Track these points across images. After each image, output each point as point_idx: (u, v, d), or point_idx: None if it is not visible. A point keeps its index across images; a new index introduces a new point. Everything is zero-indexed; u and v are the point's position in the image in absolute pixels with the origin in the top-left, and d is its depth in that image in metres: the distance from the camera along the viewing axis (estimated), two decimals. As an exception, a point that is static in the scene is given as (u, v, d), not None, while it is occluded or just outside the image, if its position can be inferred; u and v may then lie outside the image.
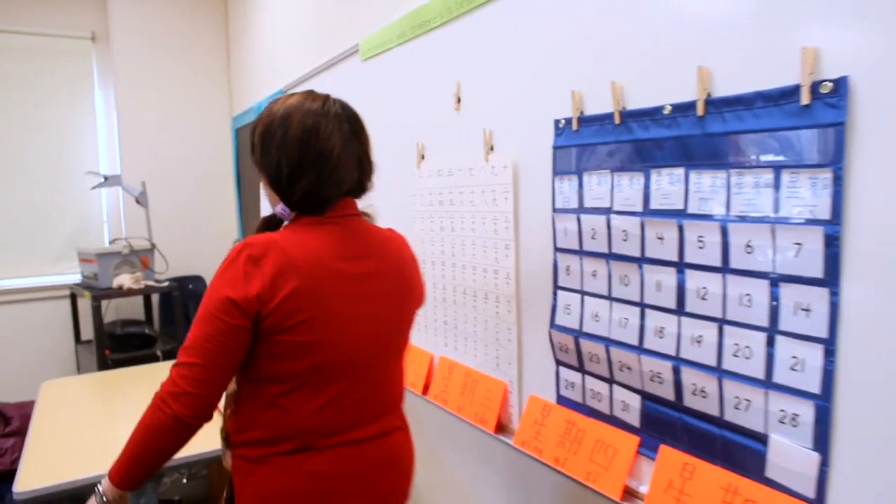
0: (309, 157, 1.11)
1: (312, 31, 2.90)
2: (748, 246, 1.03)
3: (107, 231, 4.24)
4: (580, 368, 1.43)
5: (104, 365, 3.39)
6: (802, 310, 0.97)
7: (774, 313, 1.01)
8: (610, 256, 1.31)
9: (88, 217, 4.20)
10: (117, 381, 2.84)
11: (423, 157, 1.99)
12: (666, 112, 1.15)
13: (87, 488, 2.08)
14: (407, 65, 2.06)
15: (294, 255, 1.07)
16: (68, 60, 4.06)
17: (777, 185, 0.98)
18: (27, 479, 1.81)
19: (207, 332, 1.04)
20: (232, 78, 4.40)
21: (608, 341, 1.33)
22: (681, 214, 1.15)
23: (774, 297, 1.01)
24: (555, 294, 1.48)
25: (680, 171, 1.14)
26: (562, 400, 1.51)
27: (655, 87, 1.18)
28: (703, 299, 1.12)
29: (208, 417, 1.08)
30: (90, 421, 2.26)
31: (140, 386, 2.68)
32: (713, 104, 1.07)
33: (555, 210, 1.44)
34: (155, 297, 4.19)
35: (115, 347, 3.54)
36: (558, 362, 1.50)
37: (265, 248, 1.06)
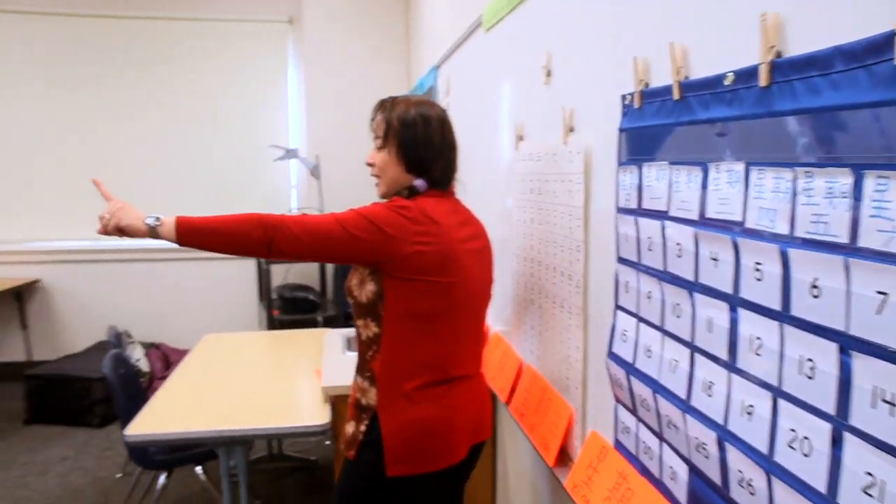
0: (446, 145, 1.46)
1: (454, 4, 2.76)
2: (814, 287, 0.68)
3: (295, 199, 4.61)
4: (634, 412, 1.13)
5: (273, 324, 3.70)
6: (885, 401, 0.60)
7: (845, 396, 0.65)
8: (664, 276, 0.99)
9: (277, 186, 4.60)
10: (271, 342, 3.06)
11: (521, 139, 1.76)
12: (727, 82, 0.81)
13: (197, 442, 2.26)
14: (515, 33, 1.82)
15: (436, 217, 1.36)
16: (266, 43, 4.45)
17: (857, 195, 0.62)
18: (140, 424, 1.99)
19: (338, 236, 1.30)
20: (411, 54, 4.45)
21: (657, 386, 1.01)
22: (738, 229, 0.80)
23: (846, 370, 0.65)
24: (615, 314, 1.18)
25: (739, 168, 0.79)
26: (619, 445, 1.21)
27: (721, 46, 0.83)
28: (757, 354, 0.78)
29: (276, 260, 1.51)
30: (225, 378, 2.44)
31: (290, 350, 2.84)
32: (780, 69, 0.71)
33: (618, 209, 1.14)
34: (329, 266, 4.46)
35: (284, 308, 3.84)
36: (616, 399, 1.21)
37: (415, 208, 1.35)
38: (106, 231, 1.33)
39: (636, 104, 1.05)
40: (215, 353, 2.80)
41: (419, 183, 1.43)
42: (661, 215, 0.98)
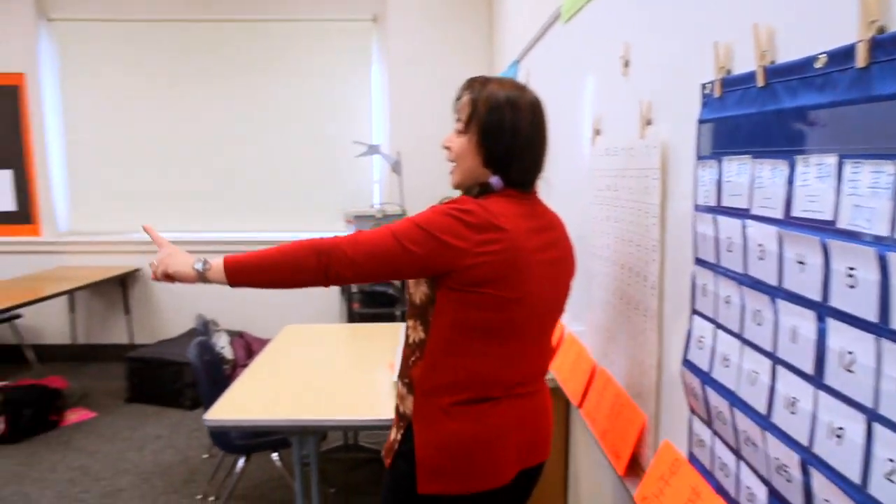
0: (533, 139, 1.27)
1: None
2: (917, 296, 0.59)
3: (377, 195, 4.68)
4: (710, 425, 1.05)
5: (352, 317, 3.77)
6: None
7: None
8: (744, 279, 0.91)
9: (363, 181, 4.69)
10: (350, 335, 3.12)
11: (598, 133, 1.68)
12: (819, 65, 0.72)
13: (272, 430, 2.32)
14: (593, 23, 1.75)
15: (504, 223, 1.19)
16: (351, 41, 4.54)
17: (972, 194, 0.53)
18: (220, 410, 2.07)
19: (393, 251, 1.18)
20: (493, 51, 4.40)
21: (734, 398, 0.93)
22: (828, 229, 0.72)
23: (953, 393, 0.56)
24: (691, 319, 1.10)
25: (831, 161, 0.71)
26: (693, 459, 1.13)
27: (811, 25, 0.75)
28: (849, 370, 0.69)
29: (337, 285, 1.27)
30: (303, 368, 2.51)
31: (368, 343, 2.89)
32: (881, 47, 0.63)
33: (696, 207, 1.06)
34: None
35: (363, 302, 3.91)
36: (691, 409, 1.13)
37: (480, 212, 1.19)
38: (156, 278, 1.28)
39: (716, 93, 0.97)
40: (295, 343, 2.88)
41: (494, 181, 1.25)
42: (742, 213, 0.90)
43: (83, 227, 4.79)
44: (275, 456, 2.74)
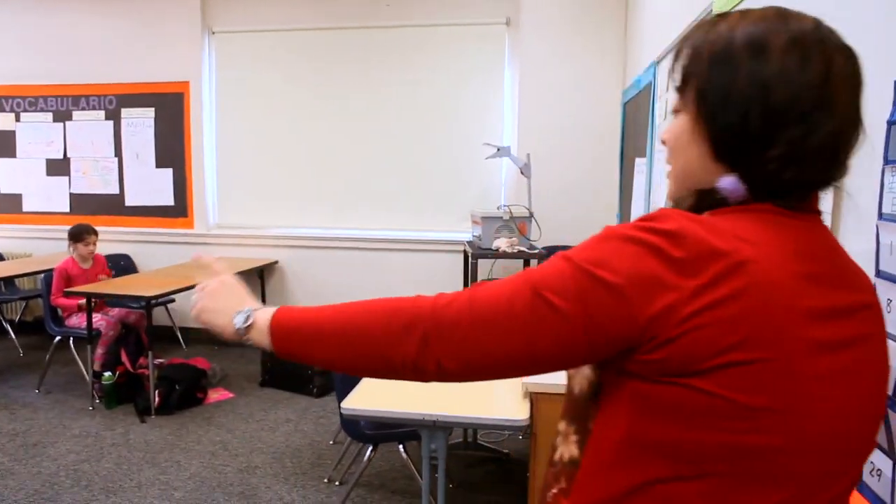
0: (800, 104, 0.64)
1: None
2: None
3: (503, 197, 4.70)
4: (891, 454, 0.96)
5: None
6: None
7: None
8: (944, 296, 0.82)
9: (490, 183, 4.73)
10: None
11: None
12: None
13: (402, 422, 2.40)
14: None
15: (748, 254, 0.62)
16: (484, 44, 4.60)
17: None
18: (355, 399, 2.17)
19: (530, 316, 0.67)
20: (626, 53, 4.29)
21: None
22: None
23: None
24: (869, 337, 1.01)
25: None
26: (864, 488, 1.04)
27: None
28: None
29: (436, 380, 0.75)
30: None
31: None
32: None
33: (880, 216, 0.97)
34: (533, 263, 4.48)
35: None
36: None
37: (697, 235, 0.63)
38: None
39: (916, 90, 0.89)
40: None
41: (727, 183, 0.70)
42: (944, 223, 0.82)
43: (229, 222, 5.20)
44: (401, 448, 2.83)
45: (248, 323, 0.84)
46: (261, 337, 0.83)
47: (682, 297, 0.61)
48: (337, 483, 3.03)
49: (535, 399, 2.09)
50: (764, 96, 0.66)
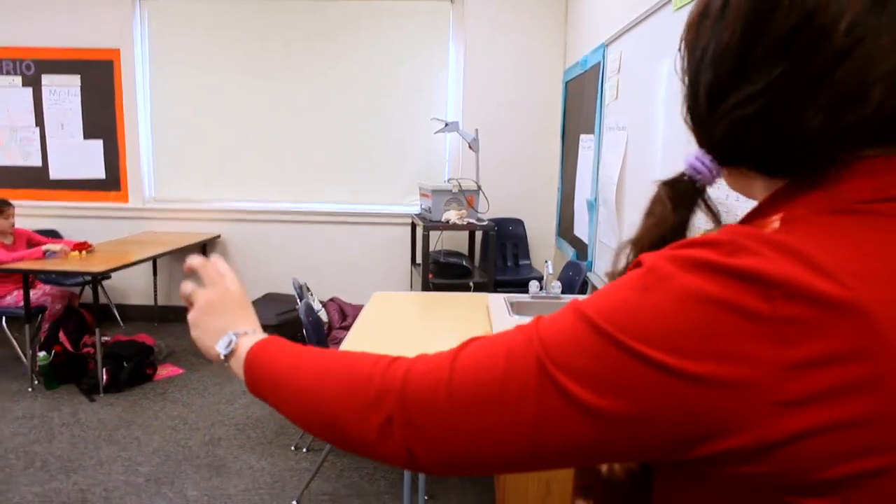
0: (769, 33, 0.45)
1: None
2: None
3: (447, 171, 4.84)
4: None
5: (427, 286, 3.96)
6: None
7: None
8: None
9: (433, 157, 4.85)
10: (432, 302, 3.30)
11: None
12: None
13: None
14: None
15: (878, 322, 0.39)
16: (428, 20, 4.67)
17: None
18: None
19: (533, 402, 0.47)
20: (567, 33, 4.49)
21: None
22: None
23: None
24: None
25: None
26: None
27: None
28: None
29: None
30: (402, 333, 2.70)
31: (449, 310, 3.07)
32: None
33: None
34: (478, 234, 4.66)
35: (438, 273, 4.08)
36: None
37: (812, 293, 0.40)
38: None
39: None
40: (388, 309, 3.07)
41: (693, 161, 0.55)
42: None
43: (167, 195, 5.05)
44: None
45: (229, 350, 0.74)
46: (238, 369, 0.72)
47: (786, 378, 0.40)
48: (305, 450, 3.12)
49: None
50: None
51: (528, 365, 0.47)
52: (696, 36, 0.53)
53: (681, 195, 0.55)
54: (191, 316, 0.80)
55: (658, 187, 0.57)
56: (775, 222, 0.47)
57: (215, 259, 0.85)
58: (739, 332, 0.40)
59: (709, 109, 0.51)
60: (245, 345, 0.72)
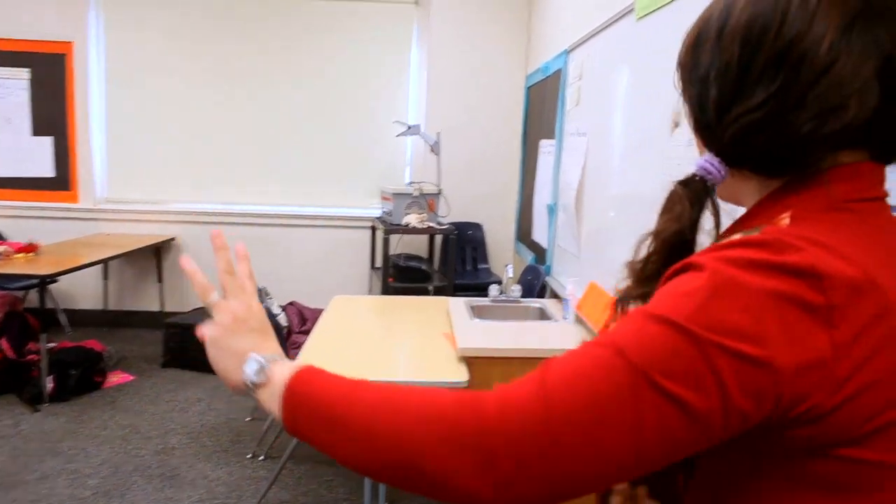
0: (761, 57, 0.54)
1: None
2: None
3: (408, 174, 4.81)
4: None
5: (387, 290, 3.92)
6: None
7: None
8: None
9: (395, 160, 4.82)
10: (392, 306, 3.27)
11: (677, 125, 1.83)
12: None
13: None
14: (678, 23, 1.88)
15: (878, 277, 0.50)
16: (392, 22, 4.65)
17: None
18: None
19: (631, 408, 0.49)
20: (530, 39, 4.52)
21: None
22: None
23: None
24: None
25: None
26: None
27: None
28: None
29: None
30: (364, 337, 2.66)
31: (410, 313, 3.04)
32: None
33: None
34: (438, 238, 4.65)
35: (397, 277, 4.05)
36: None
37: (847, 282, 0.49)
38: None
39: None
40: (348, 314, 3.02)
41: (703, 162, 0.62)
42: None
43: (120, 196, 4.89)
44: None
45: (261, 381, 0.65)
46: (271, 402, 0.64)
47: (837, 356, 0.48)
48: (262, 458, 3.05)
49: (471, 362, 2.25)
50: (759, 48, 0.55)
51: (622, 375, 0.50)
52: (695, 58, 0.62)
53: (695, 193, 0.63)
54: (211, 332, 0.70)
55: (675, 186, 0.64)
56: (785, 219, 0.56)
57: (242, 264, 0.75)
58: (803, 321, 0.48)
59: (717, 119, 0.59)
60: (281, 374, 0.63)
